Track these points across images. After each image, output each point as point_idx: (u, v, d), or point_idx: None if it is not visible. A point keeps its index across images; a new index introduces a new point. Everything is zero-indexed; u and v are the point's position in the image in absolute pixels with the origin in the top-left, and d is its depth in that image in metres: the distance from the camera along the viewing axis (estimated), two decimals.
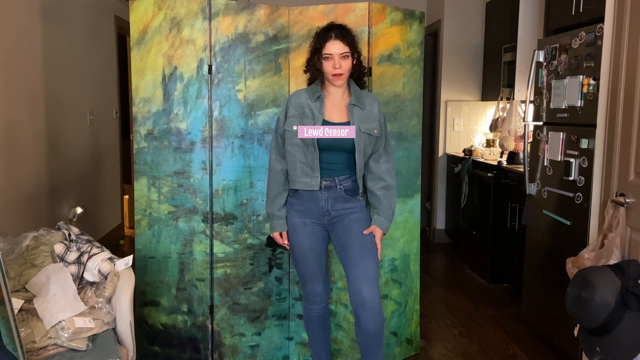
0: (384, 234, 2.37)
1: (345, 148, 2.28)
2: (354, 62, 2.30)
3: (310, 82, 2.42)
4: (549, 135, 3.00)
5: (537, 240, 3.18)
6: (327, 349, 2.55)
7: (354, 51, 2.29)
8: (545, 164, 3.06)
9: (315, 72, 2.34)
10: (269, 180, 2.41)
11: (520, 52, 4.01)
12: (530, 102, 3.20)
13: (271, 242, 2.73)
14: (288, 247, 2.43)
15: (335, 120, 2.31)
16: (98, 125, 4.85)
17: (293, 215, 2.37)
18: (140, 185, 2.65)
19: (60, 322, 1.95)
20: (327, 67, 2.25)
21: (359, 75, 2.39)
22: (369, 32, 2.62)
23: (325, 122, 2.30)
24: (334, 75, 2.25)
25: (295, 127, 2.27)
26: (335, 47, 2.23)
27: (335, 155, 2.30)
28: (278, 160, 2.38)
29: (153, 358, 2.73)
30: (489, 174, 4.17)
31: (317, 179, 2.28)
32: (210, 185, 2.62)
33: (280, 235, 2.40)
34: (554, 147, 2.94)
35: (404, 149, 2.81)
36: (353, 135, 2.25)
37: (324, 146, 2.28)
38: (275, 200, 2.38)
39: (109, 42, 5.18)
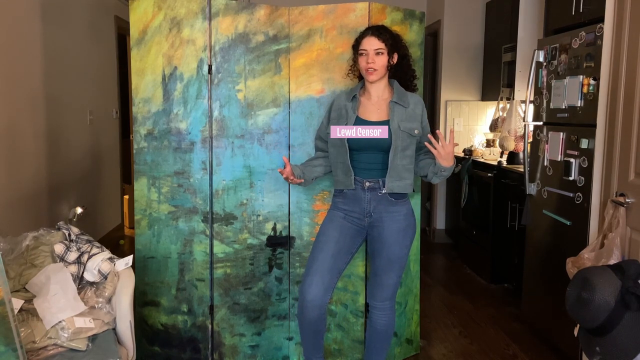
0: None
1: (382, 147, 2.29)
2: (392, 62, 2.34)
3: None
4: (549, 135, 3.00)
5: (537, 240, 3.18)
6: (319, 350, 2.46)
7: (392, 50, 2.32)
8: (545, 164, 3.06)
9: (357, 71, 2.41)
10: None
11: (520, 52, 4.01)
12: (530, 102, 3.20)
13: (272, 242, 2.73)
14: (284, 174, 2.35)
15: (373, 119, 2.33)
16: (98, 125, 4.85)
17: (336, 210, 2.41)
18: (140, 185, 2.65)
19: (60, 322, 1.95)
20: (362, 62, 2.32)
21: (404, 77, 2.42)
22: None
23: (361, 121, 2.33)
24: (367, 70, 2.30)
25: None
26: (369, 43, 2.29)
27: (372, 155, 2.31)
28: (319, 152, 2.53)
29: (153, 358, 2.73)
30: (489, 174, 4.17)
31: (351, 177, 2.32)
32: (210, 185, 2.62)
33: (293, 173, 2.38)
34: (554, 147, 2.94)
35: None
36: (386, 135, 2.26)
37: (358, 146, 2.30)
38: (302, 164, 2.49)
39: (109, 42, 5.18)
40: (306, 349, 2.42)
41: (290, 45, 2.66)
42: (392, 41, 2.33)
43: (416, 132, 2.32)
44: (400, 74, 2.41)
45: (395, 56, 2.35)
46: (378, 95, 2.37)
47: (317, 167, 2.47)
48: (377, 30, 2.32)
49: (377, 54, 2.29)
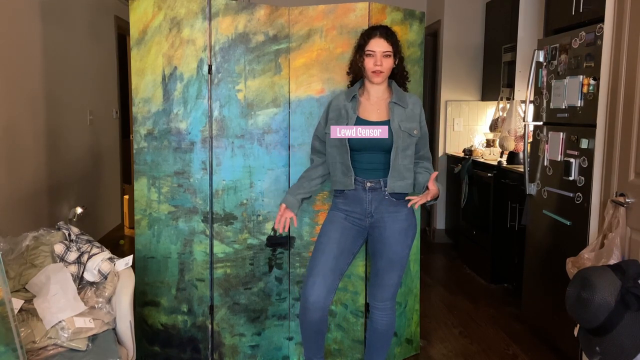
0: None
1: (383, 147, 2.28)
2: (395, 64, 2.34)
3: (351, 83, 2.45)
4: (549, 135, 3.00)
5: (537, 240, 3.18)
6: (320, 350, 2.47)
7: (396, 52, 2.33)
8: (545, 164, 3.06)
9: (357, 70, 2.37)
10: None
11: (520, 52, 4.01)
12: (530, 102, 3.20)
13: (272, 242, 2.73)
14: (282, 229, 2.38)
15: (373, 119, 2.32)
16: (98, 125, 4.85)
17: (337, 210, 2.40)
18: (140, 185, 2.65)
19: (60, 322, 1.95)
20: (369, 63, 2.29)
21: (401, 79, 2.43)
22: None
23: (361, 121, 2.31)
24: (373, 72, 2.28)
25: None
26: (378, 45, 2.27)
27: (373, 155, 2.30)
28: (316, 155, 2.48)
29: (153, 358, 2.73)
30: (489, 174, 4.17)
31: (352, 178, 2.31)
32: (210, 185, 2.62)
33: (288, 214, 2.37)
34: (554, 147, 2.94)
35: None
36: (386, 135, 2.26)
37: (359, 146, 2.29)
38: (299, 181, 2.46)
39: (109, 42, 5.18)
40: (307, 350, 2.41)
41: (290, 45, 2.66)
42: (397, 43, 2.33)
43: (415, 132, 2.32)
44: (397, 75, 2.41)
45: (398, 58, 2.36)
46: (378, 96, 2.36)
47: (315, 179, 2.45)
48: (386, 32, 2.30)
49: (385, 56, 2.28)
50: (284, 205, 2.36)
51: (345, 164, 2.31)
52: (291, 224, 2.41)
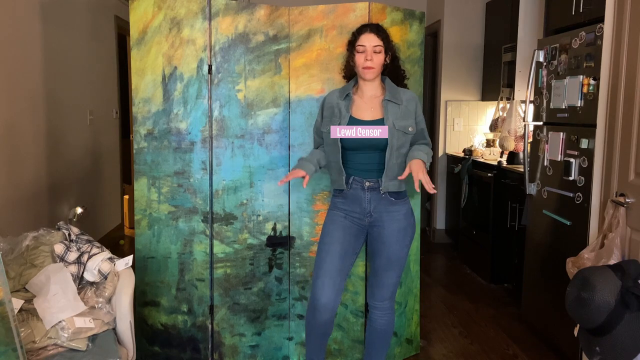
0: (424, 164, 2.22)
1: (378, 147, 2.28)
2: (387, 60, 2.34)
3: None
4: (549, 135, 3.00)
5: (537, 240, 3.18)
6: (322, 352, 2.48)
7: (388, 48, 2.32)
8: (545, 164, 3.06)
9: (350, 69, 2.37)
10: None
11: (520, 52, 4.01)
12: (530, 102, 3.20)
13: (272, 242, 2.73)
14: (282, 183, 2.36)
15: (366, 118, 2.32)
16: (98, 125, 4.85)
17: (337, 210, 2.39)
18: (140, 185, 2.65)
19: (60, 322, 1.95)
20: (359, 59, 2.29)
21: (397, 77, 2.42)
22: None
23: (354, 120, 2.31)
24: (364, 67, 2.28)
25: (328, 128, 2.32)
26: (368, 40, 2.28)
27: (369, 155, 2.30)
28: (316, 145, 2.52)
29: (153, 358, 2.73)
30: (489, 174, 4.17)
31: (343, 177, 2.31)
32: (210, 185, 2.62)
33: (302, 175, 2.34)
34: (554, 147, 2.94)
35: None
36: (386, 135, 2.25)
37: (353, 145, 2.28)
38: (310, 154, 2.44)
39: (109, 42, 5.18)
40: (310, 351, 2.41)
41: (290, 45, 2.66)
42: (388, 39, 2.33)
43: (410, 129, 2.32)
44: (391, 74, 2.40)
45: (390, 54, 2.35)
46: (371, 94, 2.36)
47: (321, 154, 2.45)
48: (376, 28, 2.31)
49: (375, 51, 2.28)
50: (297, 170, 2.32)
51: (338, 163, 2.31)
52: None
